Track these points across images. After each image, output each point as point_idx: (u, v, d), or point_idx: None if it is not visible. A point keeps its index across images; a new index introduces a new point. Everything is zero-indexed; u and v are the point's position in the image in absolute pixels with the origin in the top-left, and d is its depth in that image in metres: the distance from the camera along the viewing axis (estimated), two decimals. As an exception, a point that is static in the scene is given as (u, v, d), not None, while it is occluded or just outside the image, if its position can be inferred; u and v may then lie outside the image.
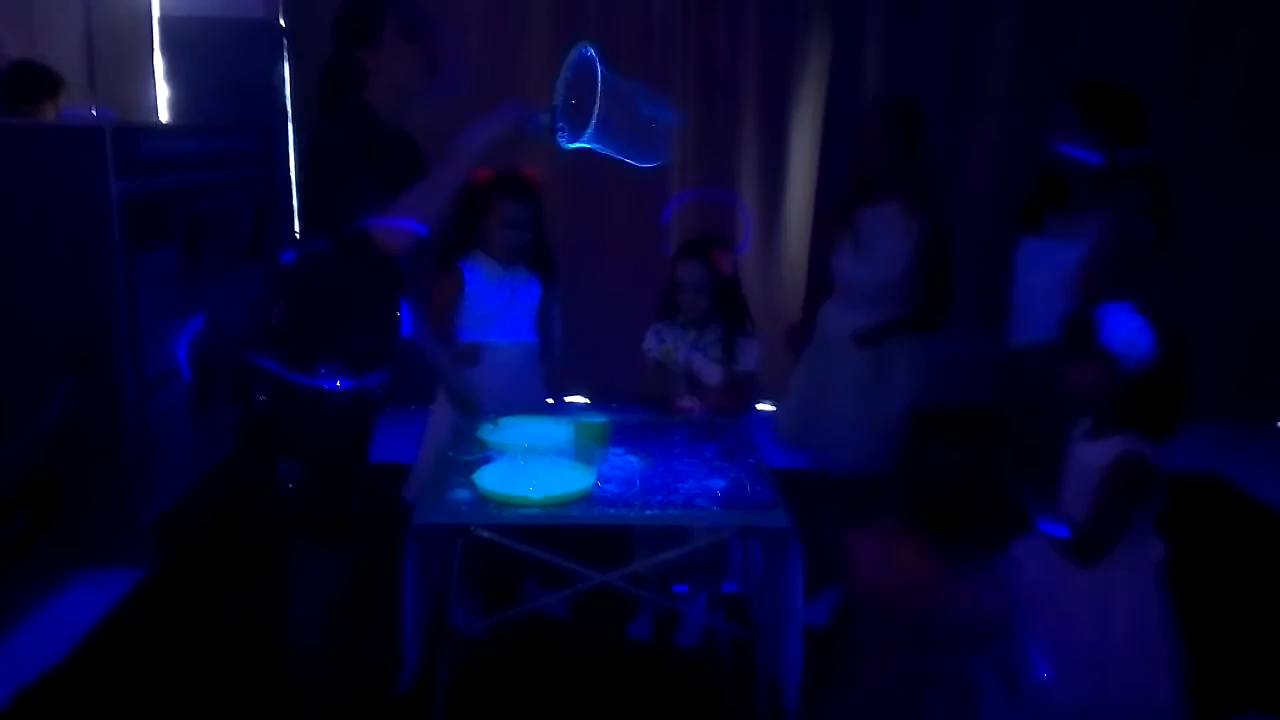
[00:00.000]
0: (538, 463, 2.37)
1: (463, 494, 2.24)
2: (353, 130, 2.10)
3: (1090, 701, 1.93)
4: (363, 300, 2.20)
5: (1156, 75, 5.03)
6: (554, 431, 2.57)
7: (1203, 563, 3.57)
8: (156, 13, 4.72)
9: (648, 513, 2.18)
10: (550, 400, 3.10)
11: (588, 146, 2.14)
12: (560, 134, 2.11)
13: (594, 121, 2.07)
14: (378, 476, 2.45)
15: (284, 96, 4.74)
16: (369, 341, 2.21)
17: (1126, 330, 1.95)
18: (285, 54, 4.80)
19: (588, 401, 3.32)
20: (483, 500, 2.21)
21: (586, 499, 2.22)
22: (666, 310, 3.02)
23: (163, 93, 4.71)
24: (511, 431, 2.60)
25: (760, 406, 5.27)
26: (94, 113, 3.73)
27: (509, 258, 2.93)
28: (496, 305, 2.92)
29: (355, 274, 2.15)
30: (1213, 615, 3.15)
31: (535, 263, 2.99)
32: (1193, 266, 5.20)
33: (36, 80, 3.78)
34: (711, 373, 2.95)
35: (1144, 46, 5.02)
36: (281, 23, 4.90)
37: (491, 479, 2.27)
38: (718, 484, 2.33)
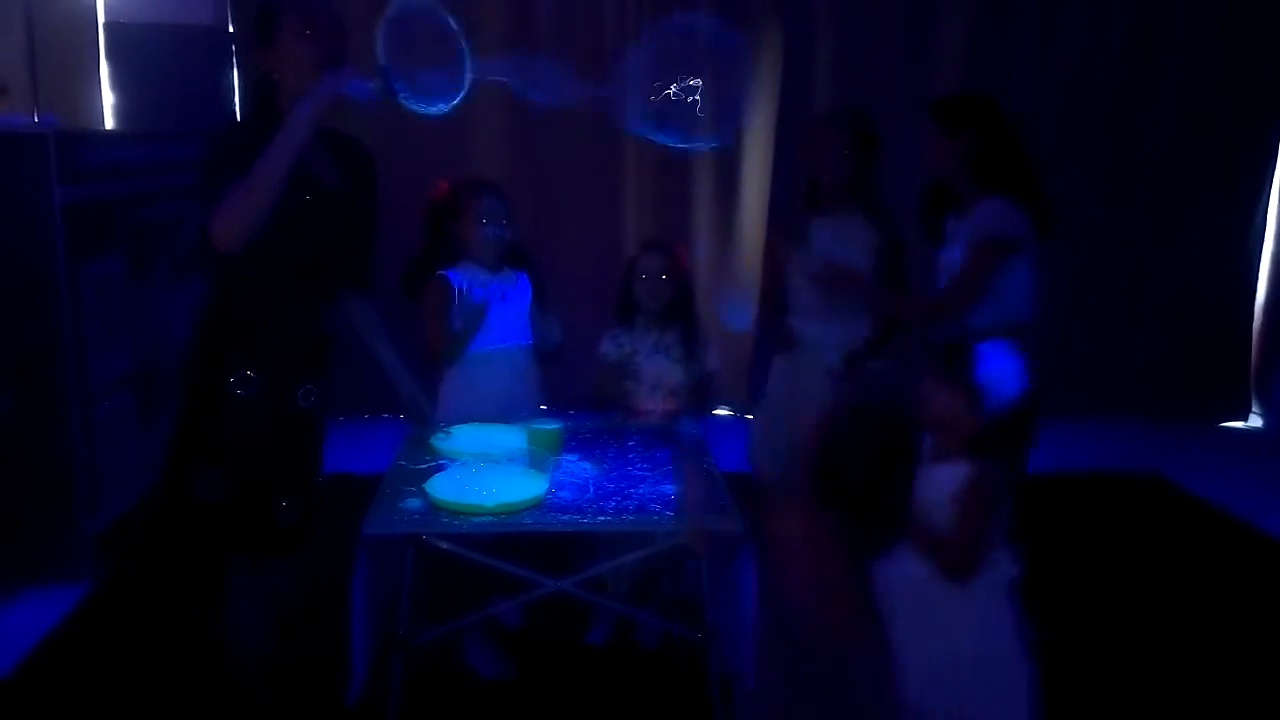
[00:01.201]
0: (490, 470, 2.36)
1: (414, 503, 2.23)
2: (240, 130, 2.12)
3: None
4: (275, 303, 2.16)
5: (1101, 79, 5.15)
6: (507, 438, 2.57)
7: (1142, 560, 3.66)
8: (102, 18, 4.64)
9: (601, 519, 2.18)
10: (544, 406, 3.04)
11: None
12: (402, 96, 2.02)
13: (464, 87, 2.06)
14: (332, 488, 2.43)
15: (232, 103, 4.69)
16: (281, 345, 2.17)
17: (1002, 370, 1.99)
18: (234, 60, 4.75)
19: (543, 407, 3.30)
20: (434, 509, 2.20)
21: (540, 506, 2.22)
22: (623, 312, 3.01)
23: (108, 99, 4.63)
24: (464, 439, 2.59)
25: (717, 412, 5.37)
26: (36, 119, 3.67)
27: (493, 258, 2.86)
28: (490, 310, 2.82)
29: (264, 276, 2.12)
30: (1160, 609, 3.22)
31: (518, 261, 2.94)
32: (1135, 268, 5.33)
33: None
34: (674, 373, 2.96)
35: (1088, 52, 5.13)
36: (230, 29, 4.85)
37: (443, 487, 2.26)
38: (671, 489, 2.34)
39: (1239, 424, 5.50)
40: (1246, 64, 5.15)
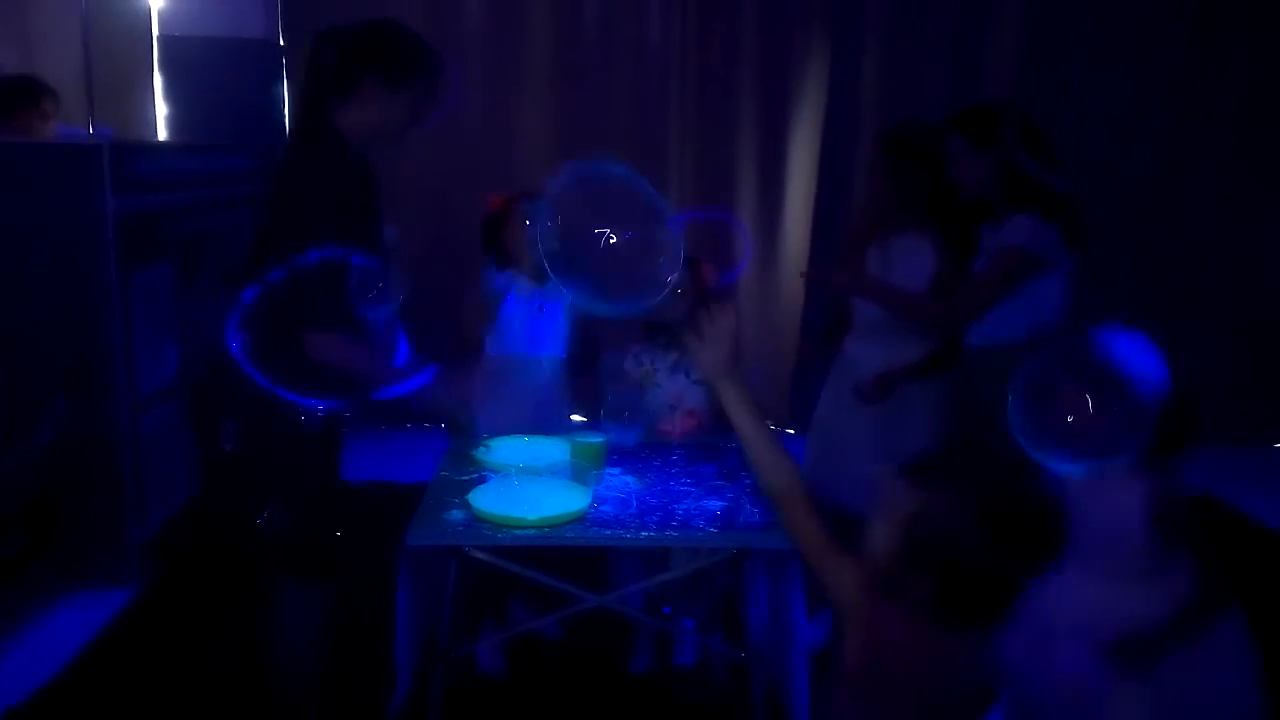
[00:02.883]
0: (533, 483, 2.35)
1: (457, 514, 2.23)
2: (330, 174, 2.06)
3: None
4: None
5: (1155, 89, 5.06)
6: (550, 451, 2.56)
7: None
8: (156, 31, 4.72)
9: (644, 534, 2.16)
10: (576, 417, 3.06)
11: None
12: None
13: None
14: (375, 497, 2.43)
15: (282, 115, 4.75)
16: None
17: (1140, 359, 1.79)
18: (284, 73, 4.81)
19: (585, 420, 3.30)
20: (477, 521, 2.20)
21: (582, 520, 2.21)
22: (648, 329, 3.00)
23: (161, 111, 4.71)
24: (506, 451, 2.58)
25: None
26: (91, 130, 3.73)
27: (538, 270, 2.87)
28: (524, 320, 2.91)
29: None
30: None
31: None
32: (1189, 286, 5.22)
33: (14, 92, 3.73)
34: (693, 392, 2.94)
35: (1142, 60, 5.04)
36: (281, 42, 4.92)
37: (486, 499, 2.25)
38: (715, 505, 2.32)
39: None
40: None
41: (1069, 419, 1.78)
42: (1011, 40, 5.04)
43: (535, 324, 2.92)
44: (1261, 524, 4.12)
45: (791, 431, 5.27)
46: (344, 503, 2.30)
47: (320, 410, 2.13)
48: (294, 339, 2.07)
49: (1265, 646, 3.05)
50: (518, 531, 2.16)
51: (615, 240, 1.82)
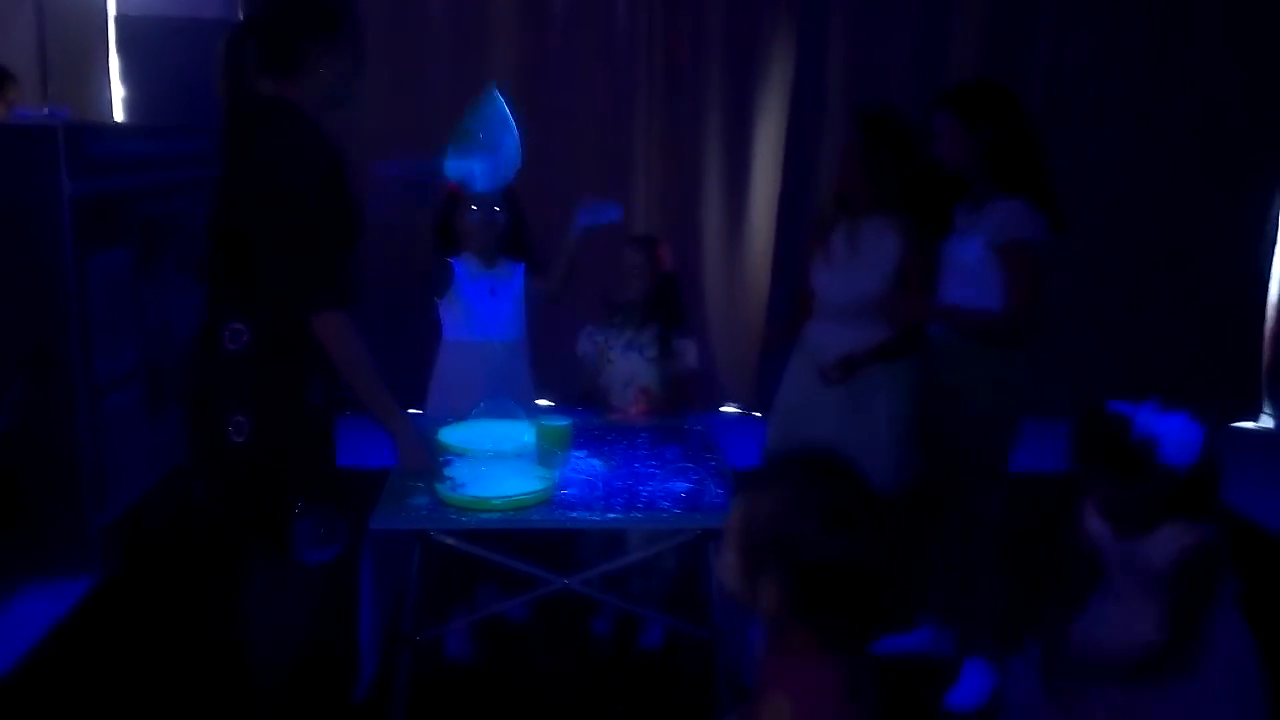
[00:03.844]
0: (498, 466, 2.35)
1: (421, 499, 2.22)
2: (319, 149, 2.04)
3: None
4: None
5: (1120, 73, 5.12)
6: (515, 434, 2.55)
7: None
8: (112, 11, 4.64)
9: (610, 516, 2.17)
10: (539, 401, 3.09)
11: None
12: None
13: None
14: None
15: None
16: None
17: (1182, 439, 1.79)
18: (244, 54, 4.74)
19: (550, 404, 3.30)
20: (442, 504, 2.19)
21: (548, 502, 2.21)
22: (607, 308, 3.04)
23: (118, 93, 4.64)
24: (472, 434, 2.58)
25: (724, 409, 5.36)
26: (46, 112, 3.66)
27: (485, 246, 2.91)
28: (476, 302, 2.92)
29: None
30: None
31: (516, 250, 2.97)
32: (1146, 267, 5.29)
33: None
34: (647, 372, 2.95)
35: (1107, 44, 5.10)
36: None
37: (451, 482, 2.24)
38: (680, 486, 2.33)
39: (1250, 424, 5.46)
40: (1260, 62, 5.11)
41: (1104, 492, 1.86)
42: (976, 24, 5.07)
43: (488, 307, 2.93)
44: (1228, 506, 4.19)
45: (759, 415, 5.30)
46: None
47: (323, 389, 2.12)
48: (296, 321, 2.05)
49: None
50: (483, 515, 2.16)
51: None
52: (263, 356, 2.07)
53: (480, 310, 2.92)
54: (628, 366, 2.98)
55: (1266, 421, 5.50)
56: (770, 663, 1.38)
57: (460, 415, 2.64)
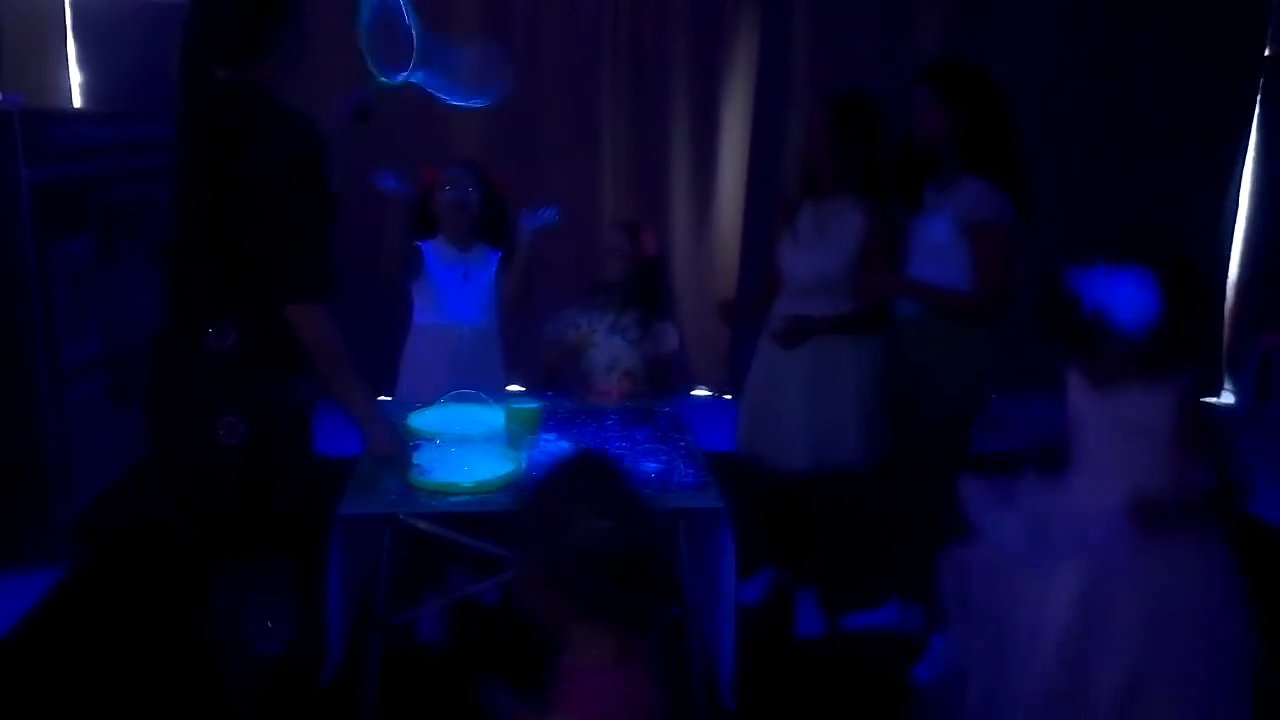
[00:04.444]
0: (467, 449, 2.35)
1: (391, 482, 2.21)
2: (309, 132, 2.02)
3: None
4: None
5: (1080, 55, 5.16)
6: (484, 417, 2.55)
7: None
8: (68, -5, 4.56)
9: (579, 496, 2.17)
10: (509, 386, 3.10)
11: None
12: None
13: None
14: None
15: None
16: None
17: (1130, 301, 1.84)
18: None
19: (521, 388, 3.30)
20: (411, 488, 2.19)
21: (517, 485, 2.21)
22: (591, 288, 3.06)
23: (75, 78, 4.56)
24: (441, 418, 2.57)
25: (695, 392, 5.38)
26: (1, 98, 3.60)
27: (458, 229, 2.91)
28: (448, 287, 2.91)
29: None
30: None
31: (491, 236, 2.97)
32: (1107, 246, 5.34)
33: None
34: (628, 354, 2.97)
35: (1068, 26, 5.14)
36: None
37: (420, 466, 2.24)
38: (650, 466, 2.34)
39: (1212, 400, 5.56)
40: (1221, 41, 5.17)
41: (1073, 360, 1.92)
42: (939, 7, 5.09)
43: (460, 291, 2.93)
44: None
45: (729, 398, 5.33)
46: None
47: (305, 384, 2.11)
48: (272, 312, 2.01)
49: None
50: (452, 498, 2.16)
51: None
52: (252, 355, 2.03)
53: (451, 295, 2.91)
54: (610, 350, 2.99)
55: (1228, 398, 5.60)
56: (560, 681, 1.47)
57: (430, 400, 2.64)
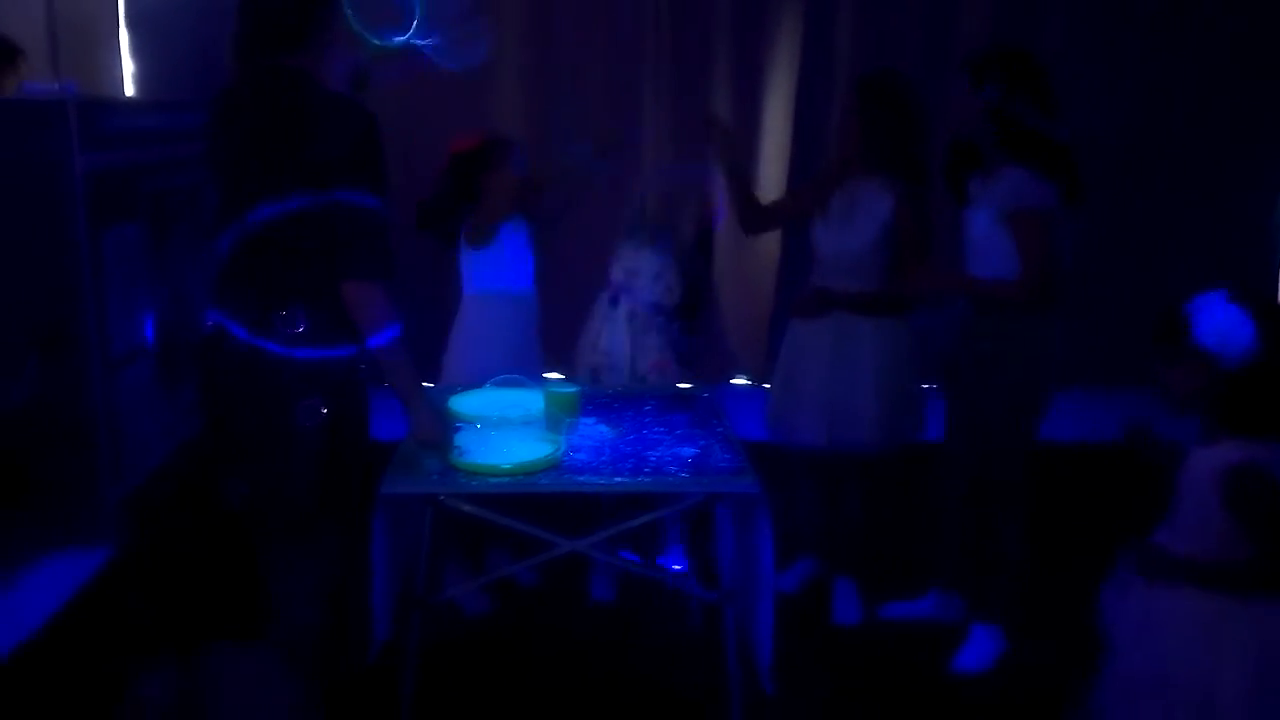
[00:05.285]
0: (507, 432, 2.37)
1: (432, 463, 2.24)
2: (367, 118, 2.05)
3: None
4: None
5: (1132, 44, 5.07)
6: (524, 401, 2.57)
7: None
8: (122, -14, 4.64)
9: (617, 480, 2.19)
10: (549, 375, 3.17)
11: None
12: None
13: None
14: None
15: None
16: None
17: (1222, 322, 1.75)
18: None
19: (560, 375, 3.32)
20: (452, 469, 2.21)
21: (556, 467, 2.23)
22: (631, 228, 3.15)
23: (129, 67, 4.65)
24: (481, 401, 2.60)
25: (734, 381, 5.36)
26: (57, 87, 3.68)
27: (512, 206, 2.99)
28: (515, 253, 3.00)
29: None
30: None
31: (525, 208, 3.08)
32: (1154, 252, 5.25)
33: None
34: (661, 290, 3.06)
35: (1118, 15, 5.04)
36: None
37: (461, 448, 2.27)
38: (687, 451, 2.35)
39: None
40: (1273, 44, 5.05)
41: (1160, 379, 1.84)
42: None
43: (522, 257, 3.00)
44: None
45: (768, 386, 5.30)
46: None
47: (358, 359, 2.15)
48: (337, 294, 2.05)
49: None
50: (492, 479, 2.18)
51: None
52: (323, 338, 2.07)
53: (521, 261, 3.00)
54: (656, 261, 3.06)
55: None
56: None
57: (489, 370, 2.68)
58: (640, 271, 3.05)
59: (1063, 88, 4.77)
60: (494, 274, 2.98)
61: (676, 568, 3.13)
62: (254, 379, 2.08)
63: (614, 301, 3.08)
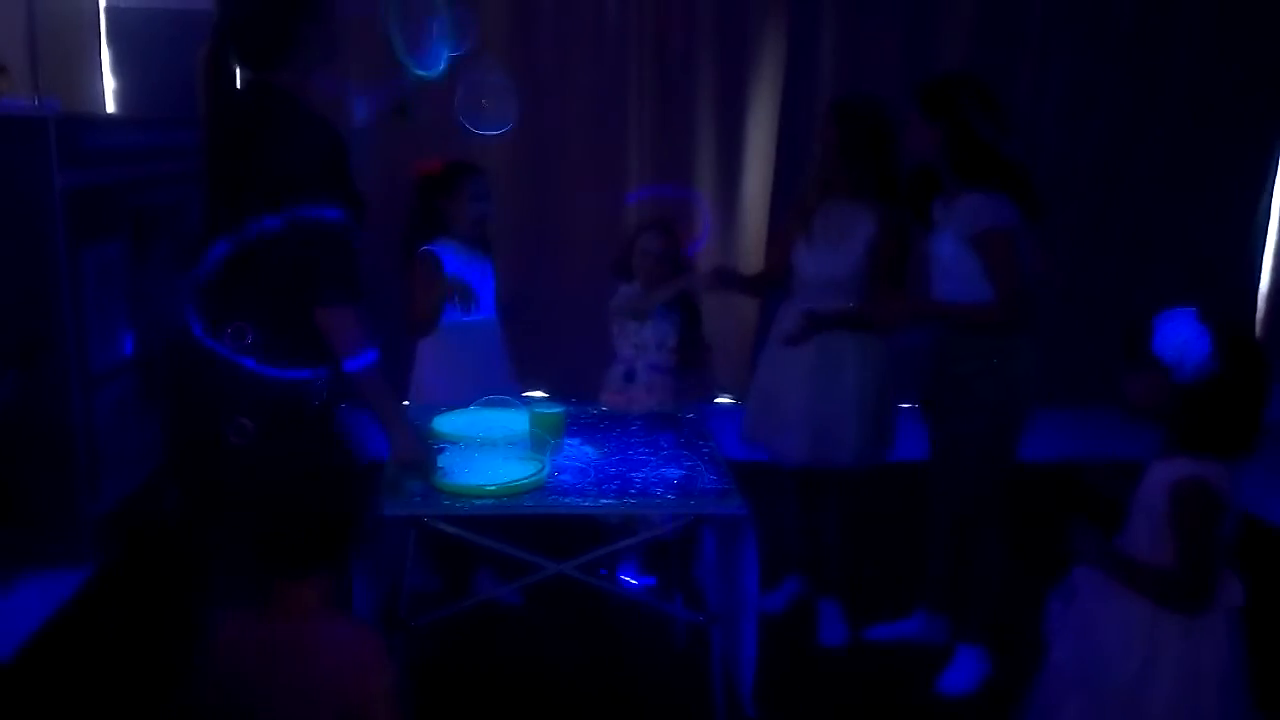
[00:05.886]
0: (492, 453, 2.36)
1: (415, 485, 2.23)
2: (332, 135, 2.04)
3: None
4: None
5: (1108, 64, 5.13)
6: (509, 422, 2.56)
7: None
8: (103, 3, 4.63)
9: (603, 501, 2.18)
10: (532, 393, 3.22)
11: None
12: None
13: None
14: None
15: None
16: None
17: (1181, 336, 1.77)
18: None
19: (545, 395, 3.32)
20: (436, 491, 2.20)
21: (541, 488, 2.22)
22: (621, 271, 3.17)
23: (109, 84, 4.63)
24: (465, 422, 2.59)
25: (719, 400, 5.37)
26: (37, 103, 3.65)
27: (473, 237, 3.02)
28: (474, 284, 3.01)
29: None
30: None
31: (485, 244, 3.10)
32: (1138, 258, 5.30)
33: None
34: (673, 334, 3.11)
35: (1096, 35, 5.11)
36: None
37: (445, 469, 2.25)
38: (673, 473, 2.34)
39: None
40: (1250, 54, 5.12)
41: (1123, 387, 1.86)
42: (966, 14, 5.08)
43: (483, 288, 3.03)
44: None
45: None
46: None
47: (320, 380, 2.11)
48: (291, 314, 2.03)
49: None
50: (477, 501, 2.17)
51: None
52: (268, 356, 2.04)
53: (478, 292, 3.01)
54: (660, 330, 3.11)
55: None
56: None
57: (457, 398, 2.67)
58: (647, 344, 3.12)
59: (1039, 110, 4.86)
60: (448, 309, 3.00)
61: (632, 581, 3.14)
62: (195, 389, 2.07)
63: (629, 377, 3.13)
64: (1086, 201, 5.15)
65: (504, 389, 2.73)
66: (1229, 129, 5.20)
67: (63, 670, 2.76)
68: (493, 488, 2.18)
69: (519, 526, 2.35)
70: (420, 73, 2.31)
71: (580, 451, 2.47)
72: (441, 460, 2.29)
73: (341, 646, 1.65)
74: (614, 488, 2.24)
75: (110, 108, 4.62)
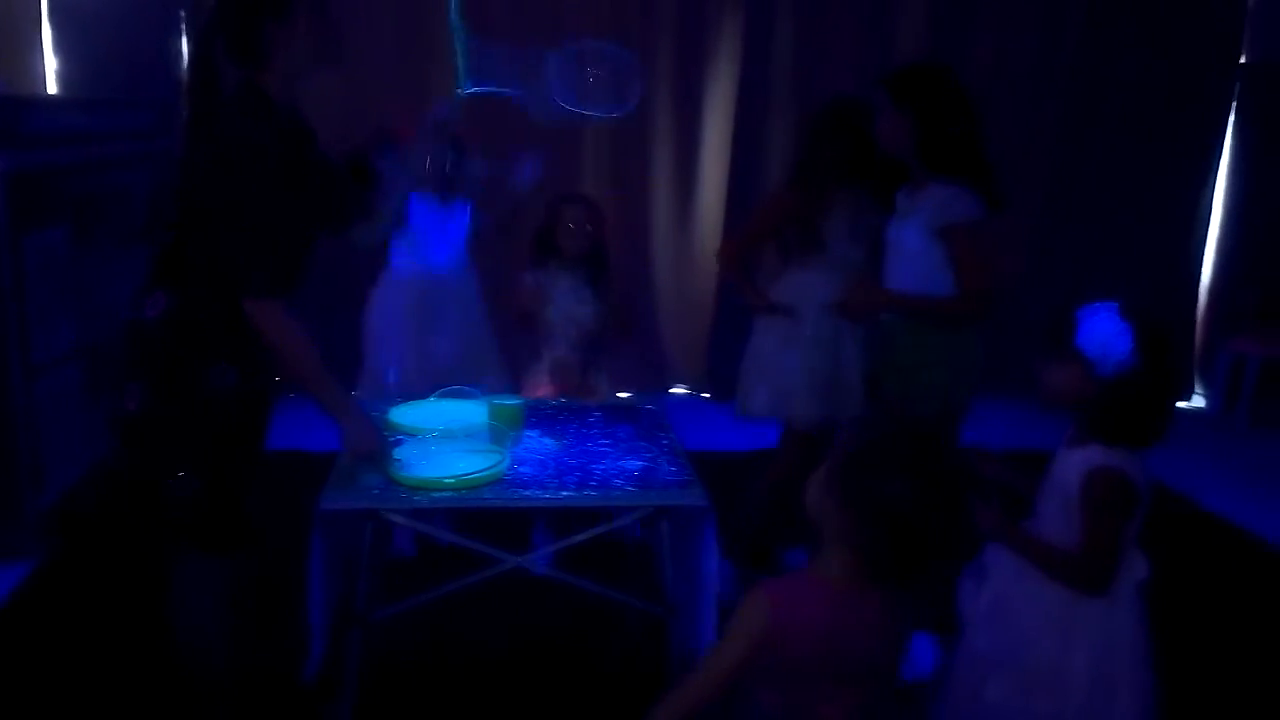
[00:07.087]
0: (450, 445, 2.34)
1: (373, 477, 2.20)
2: (275, 136, 2.02)
3: None
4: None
5: (1059, 56, 5.20)
6: (467, 413, 2.54)
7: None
8: (43, -20, 4.49)
9: (563, 494, 2.17)
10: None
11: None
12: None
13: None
14: (285, 464, 2.39)
15: (180, 70, 4.57)
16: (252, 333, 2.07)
17: (1104, 332, 1.82)
18: (182, 26, 4.62)
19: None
20: (393, 483, 2.18)
21: (500, 481, 2.20)
22: (542, 250, 3.18)
23: (51, 64, 4.49)
24: (423, 413, 2.56)
25: (674, 390, 5.38)
26: (-25, 83, 3.55)
27: (435, 178, 3.10)
28: (428, 231, 3.09)
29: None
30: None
31: (468, 191, 3.19)
32: (1083, 253, 5.39)
33: None
34: (584, 312, 3.14)
35: (1048, 30, 5.17)
36: (179, -6, 4.72)
37: (402, 461, 2.23)
38: (634, 464, 2.34)
39: (1183, 404, 5.61)
40: (1198, 47, 5.23)
41: (1040, 375, 1.92)
42: (920, 10, 5.11)
43: (439, 235, 3.12)
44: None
45: (708, 396, 5.33)
46: (259, 470, 2.24)
47: (233, 373, 2.07)
48: (223, 300, 2.01)
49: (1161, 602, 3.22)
50: (435, 494, 2.15)
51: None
52: (169, 327, 2.03)
53: (432, 239, 3.10)
54: (567, 306, 3.14)
55: (1199, 401, 5.66)
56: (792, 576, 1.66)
57: (409, 349, 2.70)
58: (566, 319, 3.15)
59: (994, 101, 4.89)
60: (413, 253, 3.09)
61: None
62: (127, 346, 2.10)
63: (559, 365, 3.18)
64: (1032, 195, 5.22)
65: (468, 343, 2.79)
66: (1173, 128, 5.30)
67: (7, 665, 2.70)
68: (451, 480, 2.16)
69: (477, 518, 2.33)
70: (467, 91, 2.36)
71: (540, 443, 2.46)
72: (399, 453, 2.27)
73: None
74: (574, 480, 2.23)
75: (52, 89, 4.49)
